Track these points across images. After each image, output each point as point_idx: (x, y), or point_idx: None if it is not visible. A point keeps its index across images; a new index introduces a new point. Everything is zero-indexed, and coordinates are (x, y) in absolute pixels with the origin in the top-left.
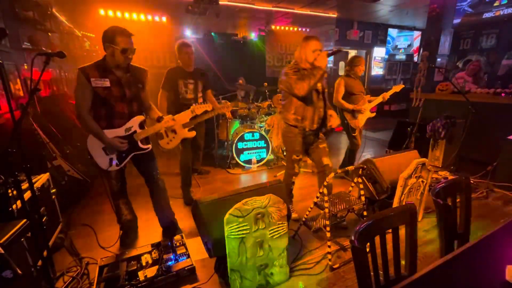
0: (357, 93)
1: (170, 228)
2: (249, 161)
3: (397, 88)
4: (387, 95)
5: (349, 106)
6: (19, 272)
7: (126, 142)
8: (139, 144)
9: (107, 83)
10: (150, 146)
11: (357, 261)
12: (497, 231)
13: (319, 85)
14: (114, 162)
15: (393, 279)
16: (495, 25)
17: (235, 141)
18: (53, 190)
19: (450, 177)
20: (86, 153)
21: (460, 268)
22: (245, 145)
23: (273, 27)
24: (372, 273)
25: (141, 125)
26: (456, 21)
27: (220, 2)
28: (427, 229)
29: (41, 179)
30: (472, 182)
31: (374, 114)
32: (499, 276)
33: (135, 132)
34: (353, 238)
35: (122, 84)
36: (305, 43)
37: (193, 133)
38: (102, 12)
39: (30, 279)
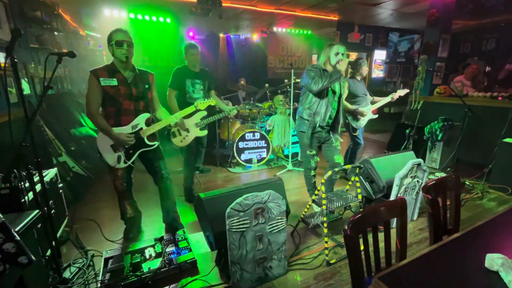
0: (360, 95)
1: (172, 225)
2: (249, 161)
3: (402, 92)
4: (395, 95)
5: (352, 108)
6: (33, 258)
7: (133, 137)
8: (146, 140)
9: (114, 82)
10: (157, 143)
11: (350, 248)
12: (481, 225)
13: (337, 87)
14: (122, 159)
15: (384, 268)
16: (494, 30)
17: (236, 141)
18: (60, 185)
19: None
20: (96, 151)
21: (445, 256)
22: (246, 144)
23: (274, 29)
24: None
25: (147, 122)
26: (456, 26)
27: (223, 4)
28: (422, 228)
29: (49, 174)
30: (468, 183)
31: (376, 116)
32: (479, 263)
33: (141, 129)
34: (346, 227)
35: (128, 83)
36: (328, 48)
37: (204, 132)
38: (107, 12)
39: (40, 267)
